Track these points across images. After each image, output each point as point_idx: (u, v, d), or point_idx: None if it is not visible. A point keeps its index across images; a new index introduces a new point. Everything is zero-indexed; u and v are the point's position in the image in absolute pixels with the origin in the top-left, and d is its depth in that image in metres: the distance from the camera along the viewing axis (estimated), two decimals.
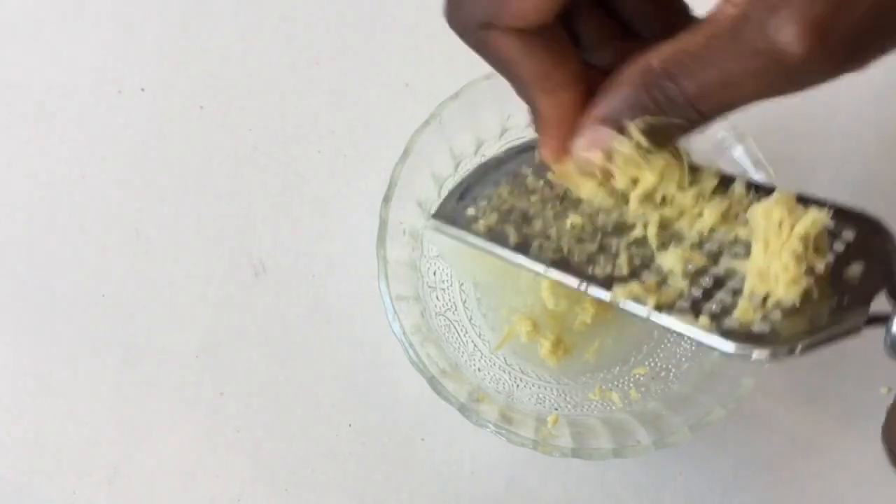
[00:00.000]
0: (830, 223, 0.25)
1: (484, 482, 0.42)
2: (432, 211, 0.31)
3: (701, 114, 0.24)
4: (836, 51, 0.22)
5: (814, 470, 0.42)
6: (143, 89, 0.47)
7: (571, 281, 0.27)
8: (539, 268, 0.28)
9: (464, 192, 0.31)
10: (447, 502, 0.42)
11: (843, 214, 0.26)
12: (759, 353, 0.24)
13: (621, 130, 0.25)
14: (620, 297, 0.26)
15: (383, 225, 0.37)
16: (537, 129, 0.28)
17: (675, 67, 0.24)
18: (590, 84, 0.27)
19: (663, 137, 0.26)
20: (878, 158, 0.44)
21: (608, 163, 0.26)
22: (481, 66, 0.28)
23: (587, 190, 0.28)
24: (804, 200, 0.26)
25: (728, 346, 0.24)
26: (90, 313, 0.44)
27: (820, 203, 0.26)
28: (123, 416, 0.43)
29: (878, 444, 0.27)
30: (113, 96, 0.47)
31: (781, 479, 0.42)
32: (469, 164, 0.42)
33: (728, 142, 0.37)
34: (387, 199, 0.38)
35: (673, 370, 0.40)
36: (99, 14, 0.48)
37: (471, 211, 0.30)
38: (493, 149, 0.41)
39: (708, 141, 0.37)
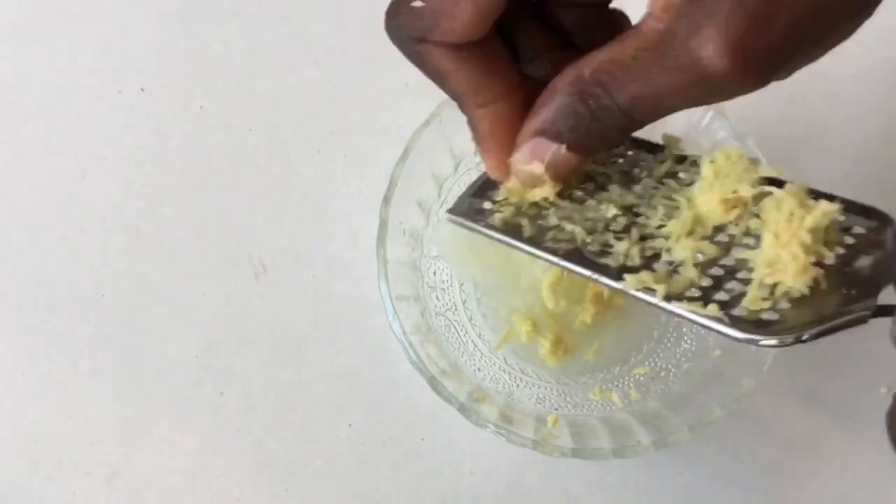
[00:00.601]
0: (841, 217, 0.25)
1: (484, 482, 0.42)
2: (448, 207, 0.31)
3: (633, 120, 0.25)
4: (758, 65, 0.22)
5: (814, 470, 0.42)
6: (143, 89, 0.47)
7: (584, 272, 0.27)
8: (552, 259, 0.28)
9: (480, 187, 0.31)
10: (447, 502, 0.42)
11: (853, 208, 0.26)
12: (766, 340, 0.24)
13: (558, 140, 0.26)
14: (631, 286, 0.26)
15: (383, 225, 0.37)
16: (477, 144, 0.28)
17: (606, 77, 0.24)
18: (530, 96, 0.27)
19: (599, 142, 0.26)
20: (879, 159, 0.44)
21: (546, 173, 0.27)
22: None
23: (537, 196, 0.29)
24: (816, 194, 0.26)
25: (736, 332, 0.24)
26: (90, 313, 0.44)
27: (831, 197, 0.26)
28: (123, 416, 0.43)
29: (879, 444, 0.27)
30: (113, 96, 0.47)
31: (781, 479, 0.42)
32: (469, 164, 0.42)
33: (729, 142, 0.37)
34: (387, 199, 0.38)
35: (673, 370, 0.40)
36: (99, 14, 0.48)
37: (486, 204, 0.30)
38: None
39: (708, 140, 0.37)
